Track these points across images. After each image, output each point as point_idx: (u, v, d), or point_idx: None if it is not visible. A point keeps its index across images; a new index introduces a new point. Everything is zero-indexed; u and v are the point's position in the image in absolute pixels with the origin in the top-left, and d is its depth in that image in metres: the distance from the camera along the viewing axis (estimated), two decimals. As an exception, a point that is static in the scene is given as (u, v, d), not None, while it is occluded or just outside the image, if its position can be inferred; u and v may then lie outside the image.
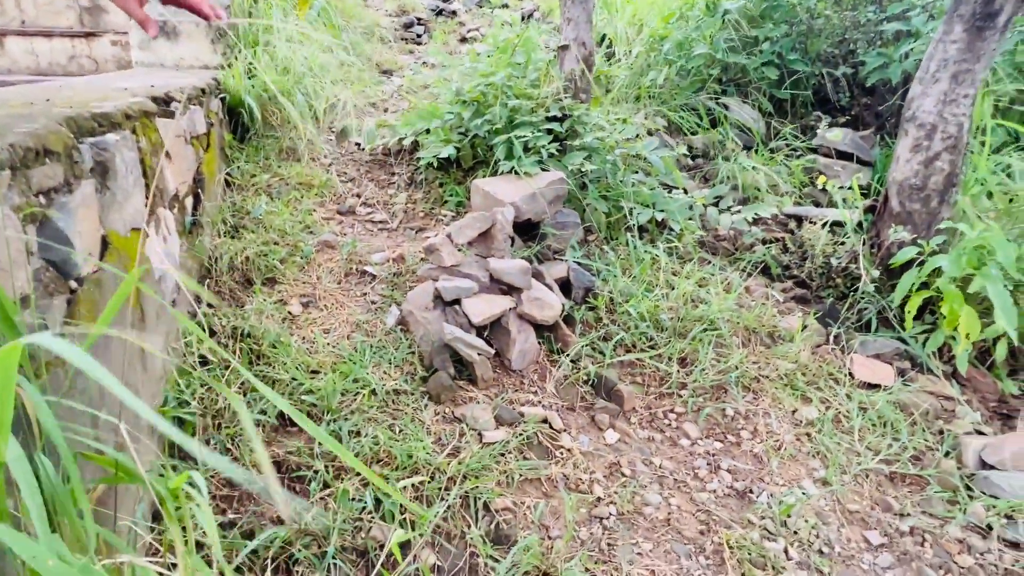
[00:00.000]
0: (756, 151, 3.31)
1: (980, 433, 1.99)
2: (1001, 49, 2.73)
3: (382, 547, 1.37)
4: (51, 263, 1.03)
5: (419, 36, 4.75)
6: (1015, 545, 1.64)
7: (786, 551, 1.58)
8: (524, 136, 2.64)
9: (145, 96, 1.79)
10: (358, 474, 1.54)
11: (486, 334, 2.05)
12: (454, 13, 5.15)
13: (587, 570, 1.43)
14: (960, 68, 2.34)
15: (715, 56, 3.44)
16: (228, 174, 2.66)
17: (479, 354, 1.91)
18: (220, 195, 2.50)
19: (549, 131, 2.75)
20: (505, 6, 5.17)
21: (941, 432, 1.99)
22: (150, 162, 1.63)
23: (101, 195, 1.27)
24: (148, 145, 1.66)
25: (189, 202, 2.06)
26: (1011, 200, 2.45)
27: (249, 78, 2.86)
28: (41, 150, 1.05)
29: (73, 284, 1.10)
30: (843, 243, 2.65)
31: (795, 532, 1.63)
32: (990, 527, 1.68)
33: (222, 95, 2.75)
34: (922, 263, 2.22)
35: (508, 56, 2.98)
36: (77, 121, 1.29)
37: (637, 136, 3.06)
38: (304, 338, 1.91)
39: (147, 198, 1.56)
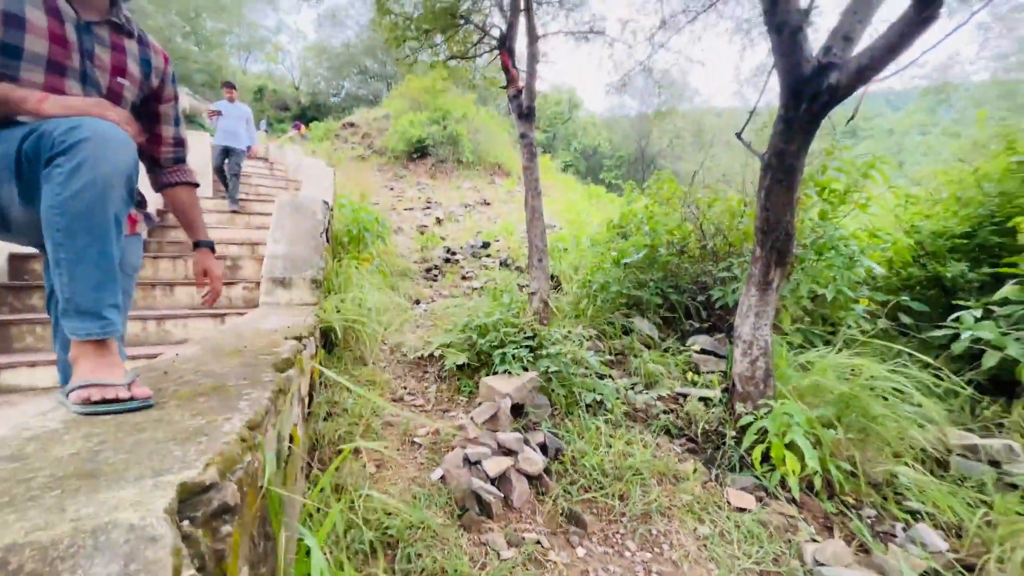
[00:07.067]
0: (654, 350, 3.75)
1: (814, 540, 2.24)
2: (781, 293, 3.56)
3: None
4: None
5: (436, 276, 5.58)
6: (839, 615, 1.94)
7: (697, 624, 1.83)
8: (512, 350, 3.16)
9: (291, 337, 2.30)
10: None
11: (496, 483, 2.24)
12: (457, 260, 6.16)
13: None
14: (760, 309, 3.14)
15: (622, 291, 4.25)
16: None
17: (494, 497, 2.12)
18: (319, 392, 2.91)
19: (527, 346, 3.27)
20: (488, 255, 6.16)
21: (789, 541, 2.21)
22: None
23: (291, 408, 1.76)
24: (297, 369, 2.15)
25: (307, 399, 2.46)
26: (814, 385, 2.91)
27: (337, 311, 3.46)
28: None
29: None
30: (712, 412, 3.05)
31: (702, 611, 1.89)
32: (821, 603, 1.98)
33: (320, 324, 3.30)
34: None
35: (499, 299, 3.69)
36: (276, 365, 1.79)
37: (580, 344, 3.55)
38: (380, 489, 2.18)
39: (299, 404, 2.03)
